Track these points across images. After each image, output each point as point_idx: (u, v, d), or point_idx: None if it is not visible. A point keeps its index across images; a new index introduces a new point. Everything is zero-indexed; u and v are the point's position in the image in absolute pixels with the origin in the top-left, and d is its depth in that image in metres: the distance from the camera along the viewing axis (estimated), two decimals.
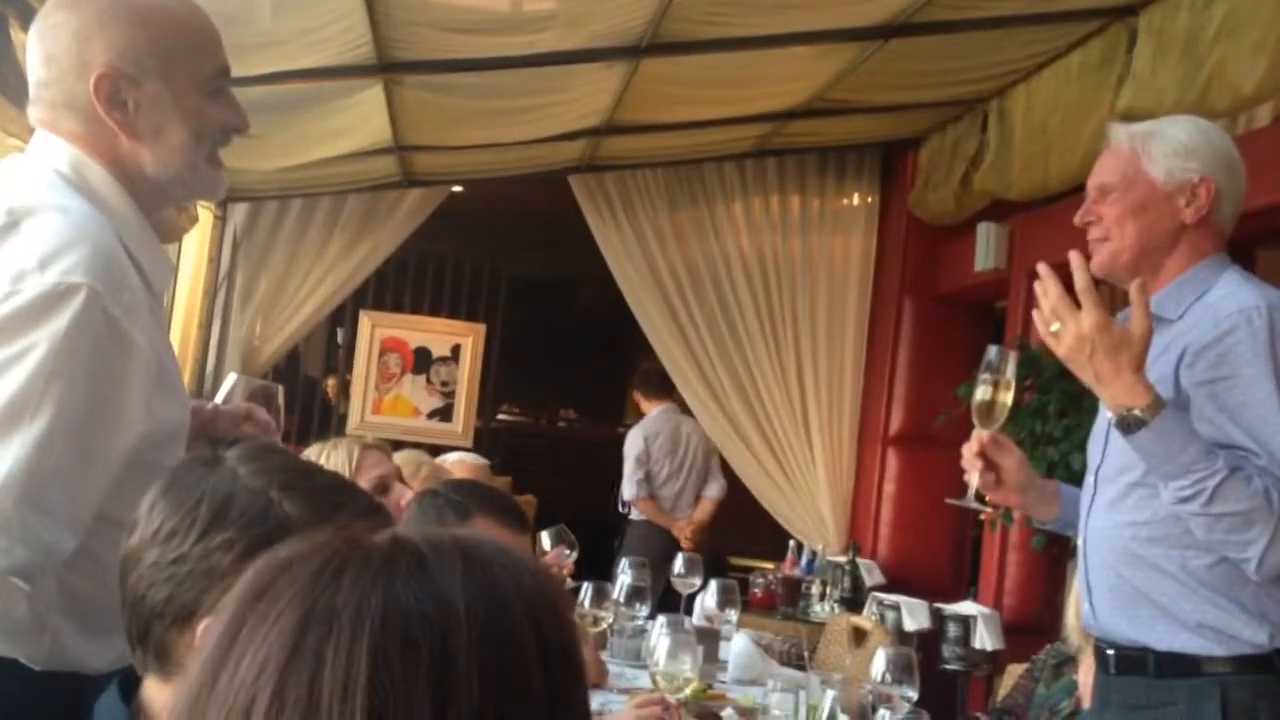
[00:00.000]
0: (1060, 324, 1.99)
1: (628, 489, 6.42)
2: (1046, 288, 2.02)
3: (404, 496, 2.51)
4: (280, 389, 2.01)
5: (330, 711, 0.65)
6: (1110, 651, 2.14)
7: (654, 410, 6.53)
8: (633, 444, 6.44)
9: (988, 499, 2.28)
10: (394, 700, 0.66)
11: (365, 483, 2.46)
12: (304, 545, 0.74)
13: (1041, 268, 2.04)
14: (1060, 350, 2.01)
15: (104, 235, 1.55)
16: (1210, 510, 1.91)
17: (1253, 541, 1.90)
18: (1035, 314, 2.08)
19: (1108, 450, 2.18)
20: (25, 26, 2.88)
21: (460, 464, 3.67)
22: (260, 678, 0.67)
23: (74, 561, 1.51)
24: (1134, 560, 2.08)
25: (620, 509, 6.61)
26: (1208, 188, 2.11)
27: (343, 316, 7.89)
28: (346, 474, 2.48)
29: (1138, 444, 1.96)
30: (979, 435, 2.23)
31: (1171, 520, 2.01)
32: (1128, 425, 1.95)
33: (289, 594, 0.70)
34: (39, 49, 1.67)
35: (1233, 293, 2.06)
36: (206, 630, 0.74)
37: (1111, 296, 4.51)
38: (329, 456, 2.59)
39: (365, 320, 7.93)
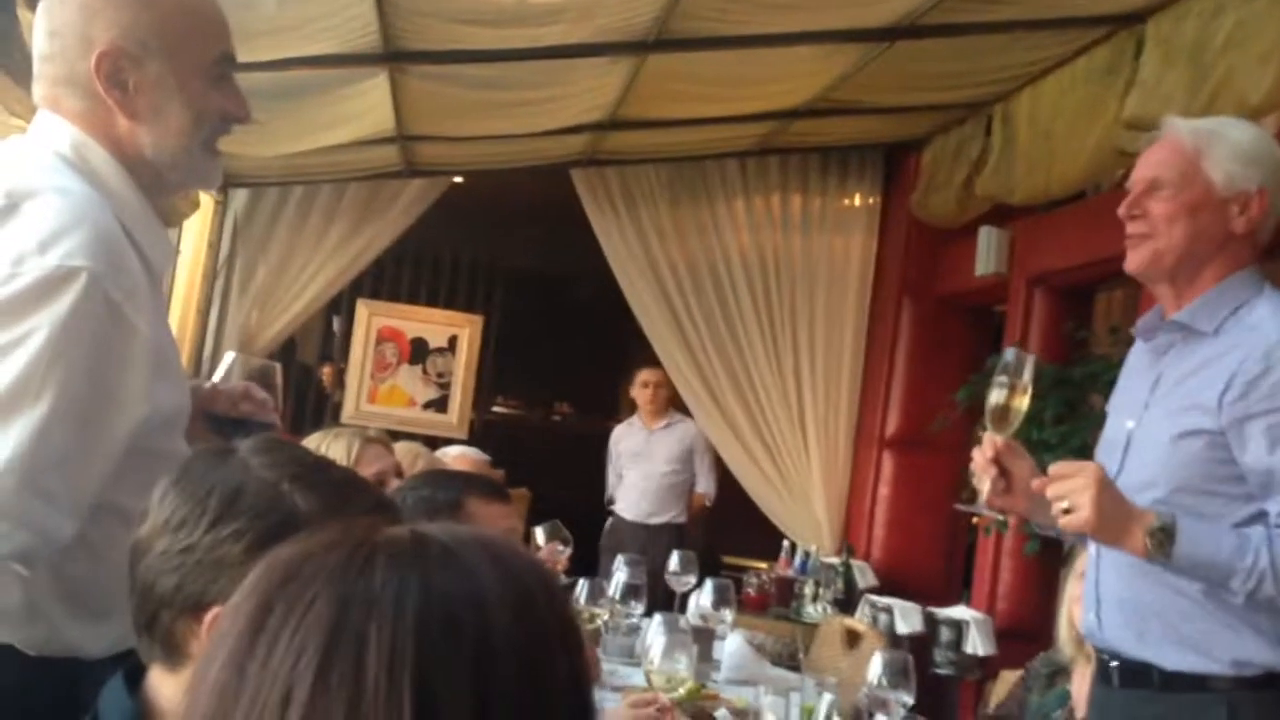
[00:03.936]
0: (1070, 502, 1.95)
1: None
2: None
3: None
4: (278, 367, 1.99)
5: (376, 693, 0.65)
6: (1114, 664, 2.11)
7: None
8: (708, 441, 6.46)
9: (993, 504, 2.23)
10: (439, 680, 0.66)
11: None
12: (319, 537, 0.74)
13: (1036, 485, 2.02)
14: (1082, 523, 1.94)
15: (104, 218, 1.54)
16: None
17: None
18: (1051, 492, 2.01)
19: (1126, 463, 2.13)
20: (32, 6, 2.86)
21: (462, 457, 3.66)
22: (300, 662, 0.66)
23: (69, 547, 1.50)
24: (1150, 577, 2.03)
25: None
26: (1262, 199, 2.04)
27: (339, 305, 7.87)
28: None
29: (1179, 568, 1.92)
30: (992, 440, 2.15)
31: None
32: (1160, 548, 1.92)
33: (320, 579, 0.69)
34: (45, 22, 1.65)
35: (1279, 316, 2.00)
36: (220, 622, 0.73)
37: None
38: (328, 447, 2.58)
39: (362, 309, 7.93)
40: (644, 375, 6.53)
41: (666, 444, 6.48)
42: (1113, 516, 1.93)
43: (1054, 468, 2.00)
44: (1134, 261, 2.10)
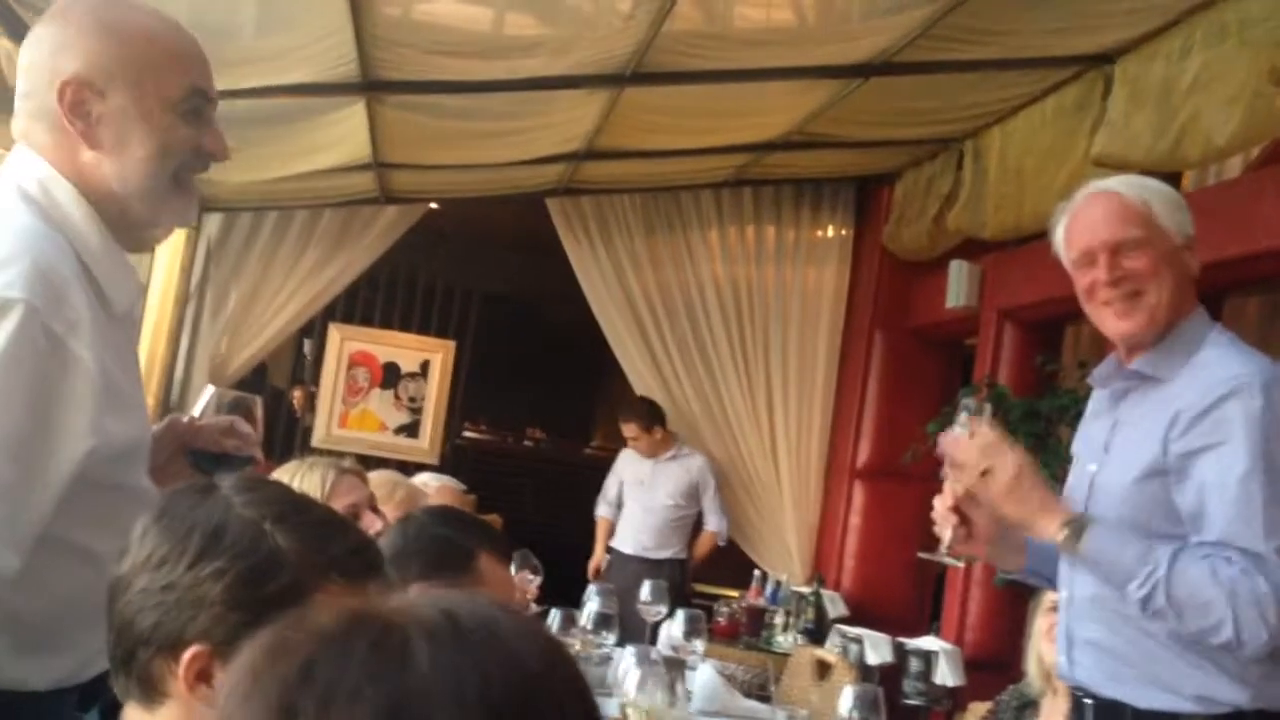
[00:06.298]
0: (990, 466, 2.05)
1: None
2: (966, 441, 2.10)
3: (373, 526, 2.45)
4: (259, 400, 1.97)
5: None
6: (1088, 701, 2.13)
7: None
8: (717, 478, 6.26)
9: (956, 551, 2.25)
10: None
11: (336, 509, 2.43)
12: (318, 619, 0.69)
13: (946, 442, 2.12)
14: (995, 489, 2.05)
15: (49, 251, 1.53)
16: (1173, 595, 1.92)
17: (1222, 623, 1.90)
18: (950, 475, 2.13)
19: (1089, 507, 2.15)
20: (10, 35, 2.87)
21: (440, 489, 3.65)
22: None
23: (14, 579, 1.47)
24: (1120, 621, 2.06)
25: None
26: (1193, 244, 2.13)
27: (311, 328, 7.83)
28: (318, 498, 2.46)
29: (1085, 557, 2.01)
30: (953, 490, 2.18)
31: None
32: (1069, 542, 2.00)
33: (355, 671, 0.65)
34: (23, 59, 1.67)
35: (1225, 358, 2.04)
36: None
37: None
38: (303, 478, 2.56)
39: (334, 333, 7.89)
40: (627, 429, 6.20)
41: (671, 476, 6.14)
42: (1034, 486, 2.05)
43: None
44: (1131, 324, 2.09)
